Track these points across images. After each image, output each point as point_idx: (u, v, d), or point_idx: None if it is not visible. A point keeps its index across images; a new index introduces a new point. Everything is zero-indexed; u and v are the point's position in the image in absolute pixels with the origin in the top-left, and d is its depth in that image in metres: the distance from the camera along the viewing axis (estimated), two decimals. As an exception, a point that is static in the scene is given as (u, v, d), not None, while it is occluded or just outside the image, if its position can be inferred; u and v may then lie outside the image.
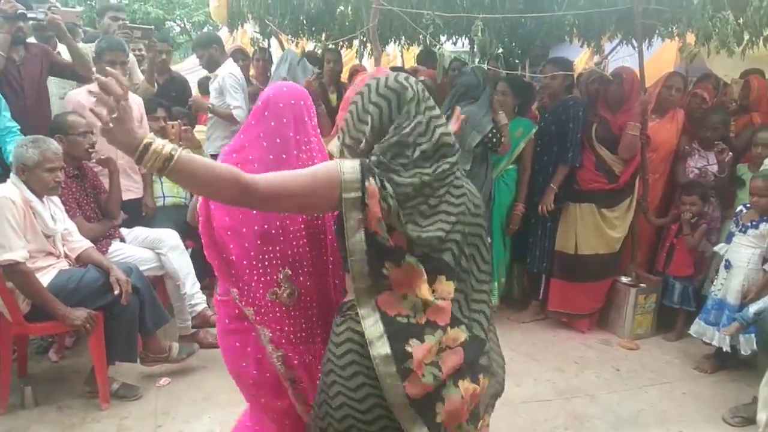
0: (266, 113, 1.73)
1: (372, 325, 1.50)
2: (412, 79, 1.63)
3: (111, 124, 1.29)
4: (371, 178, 1.47)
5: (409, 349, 1.48)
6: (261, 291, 1.73)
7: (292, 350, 1.78)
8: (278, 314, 1.75)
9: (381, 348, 1.48)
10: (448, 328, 1.54)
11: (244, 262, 1.72)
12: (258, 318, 1.75)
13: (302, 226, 1.71)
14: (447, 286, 1.56)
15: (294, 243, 1.71)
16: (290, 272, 1.72)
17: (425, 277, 1.51)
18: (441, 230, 1.54)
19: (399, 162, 1.52)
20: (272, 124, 1.71)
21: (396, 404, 1.50)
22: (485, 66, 3.97)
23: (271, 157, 1.69)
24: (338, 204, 1.49)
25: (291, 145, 1.71)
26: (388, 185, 1.48)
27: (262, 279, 1.73)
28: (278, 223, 1.69)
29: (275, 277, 1.72)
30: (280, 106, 1.72)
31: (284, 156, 1.70)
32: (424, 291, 1.51)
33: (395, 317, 1.50)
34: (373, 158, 1.53)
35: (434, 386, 1.50)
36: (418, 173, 1.52)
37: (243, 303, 1.75)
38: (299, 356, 1.79)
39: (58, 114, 3.45)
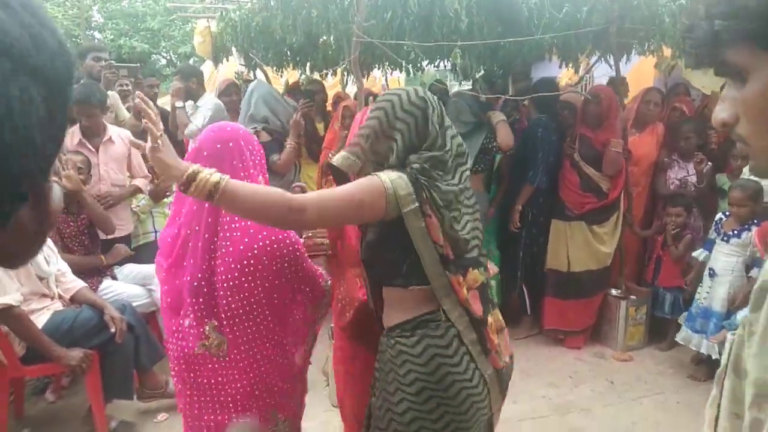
0: (204, 153, 1.75)
1: (459, 316, 1.65)
2: (429, 93, 1.71)
3: (159, 144, 1.43)
4: (423, 190, 1.57)
5: (484, 333, 1.69)
6: (191, 345, 1.77)
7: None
8: (210, 367, 1.77)
9: (469, 334, 1.66)
10: (488, 315, 1.72)
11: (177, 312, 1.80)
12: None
13: (230, 276, 1.71)
14: (473, 275, 1.69)
15: (220, 294, 1.72)
16: (216, 323, 1.74)
17: (463, 282, 1.66)
18: (472, 228, 1.69)
19: (437, 172, 1.61)
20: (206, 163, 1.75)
21: (489, 375, 1.69)
22: (467, 89, 4.07)
23: (195, 207, 1.73)
24: (385, 215, 1.56)
25: None
26: (435, 195, 1.58)
27: (192, 332, 1.76)
28: (200, 275, 1.72)
29: (202, 329, 1.75)
30: (217, 147, 1.74)
31: (206, 204, 1.70)
32: (465, 293, 1.65)
33: (467, 309, 1.66)
34: (416, 166, 1.59)
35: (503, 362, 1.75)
36: (450, 184, 1.63)
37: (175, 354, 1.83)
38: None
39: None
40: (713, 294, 3.59)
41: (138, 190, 3.89)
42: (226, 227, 1.71)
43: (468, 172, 1.73)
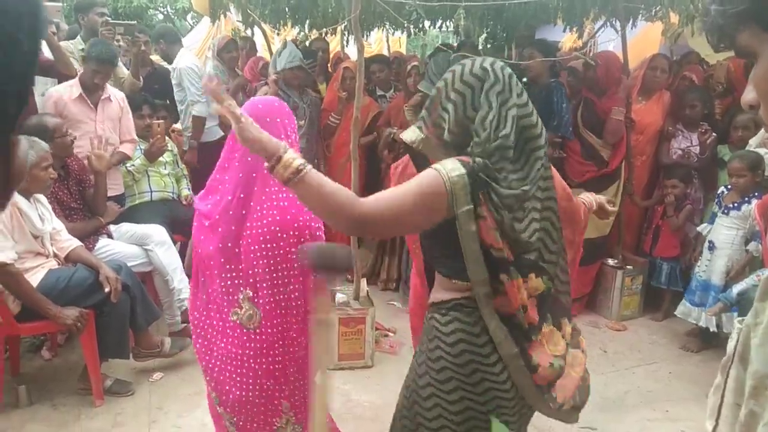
0: (260, 105, 1.75)
1: (496, 328, 1.56)
2: (499, 65, 1.55)
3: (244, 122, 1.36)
4: (481, 192, 1.45)
5: (526, 348, 1.58)
6: (226, 311, 1.76)
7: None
8: (240, 336, 1.75)
9: (509, 348, 1.56)
10: (544, 324, 1.62)
11: (215, 279, 1.78)
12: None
13: (257, 247, 1.70)
14: (536, 283, 1.59)
15: (253, 263, 1.71)
16: (251, 293, 1.73)
17: (524, 286, 1.56)
18: (536, 231, 1.55)
19: (501, 166, 1.48)
20: None
21: (526, 388, 1.61)
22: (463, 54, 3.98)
23: (241, 175, 1.72)
24: (446, 215, 1.47)
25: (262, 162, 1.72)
26: (494, 197, 1.46)
27: (226, 298, 1.75)
28: (231, 241, 1.72)
29: (236, 297, 1.74)
30: (275, 105, 1.77)
31: (254, 174, 1.71)
32: (524, 298, 1.55)
33: (512, 318, 1.56)
34: (479, 161, 1.46)
35: (558, 373, 1.63)
36: (516, 182, 1.49)
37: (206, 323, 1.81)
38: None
39: (34, 118, 3.29)
40: (712, 267, 3.57)
41: (125, 157, 3.85)
42: (263, 198, 1.72)
43: (541, 161, 1.55)
